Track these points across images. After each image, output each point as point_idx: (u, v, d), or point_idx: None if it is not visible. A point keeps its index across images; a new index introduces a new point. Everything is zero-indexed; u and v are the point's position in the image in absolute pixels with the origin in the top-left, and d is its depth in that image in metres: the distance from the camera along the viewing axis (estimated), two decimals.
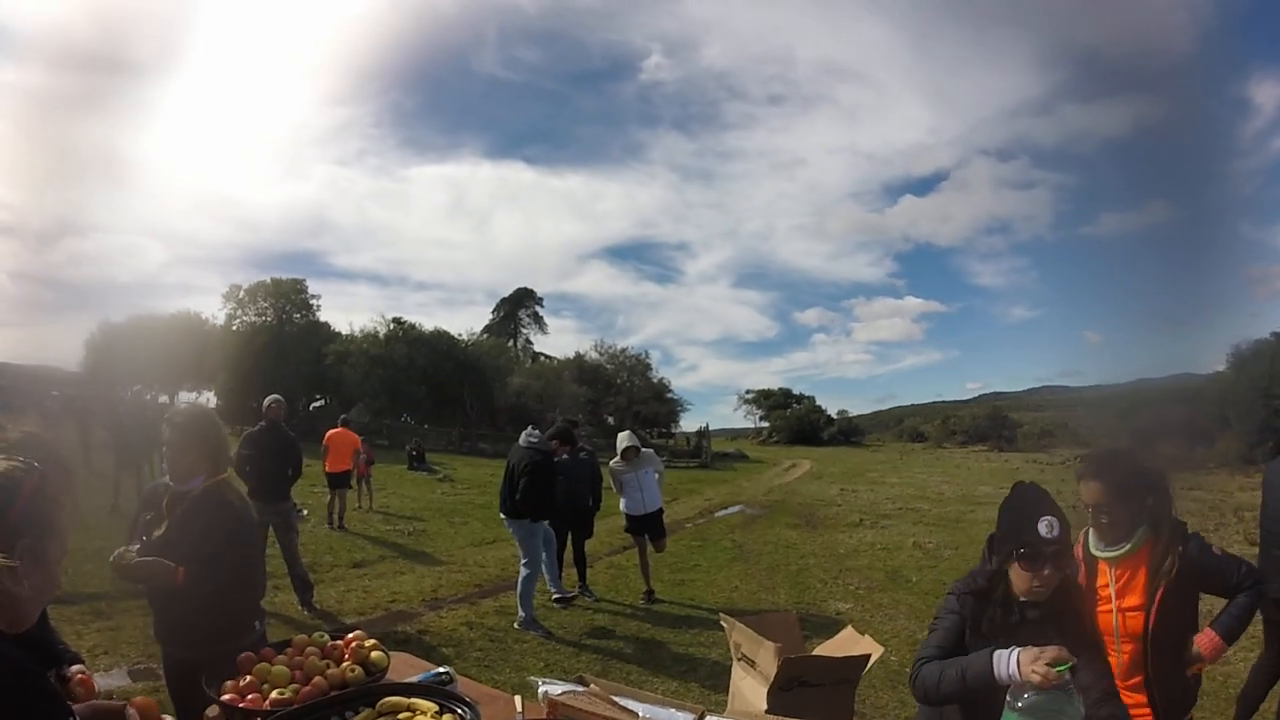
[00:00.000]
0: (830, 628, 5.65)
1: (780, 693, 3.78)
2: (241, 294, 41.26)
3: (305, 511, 8.54)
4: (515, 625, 7.59)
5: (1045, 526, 2.32)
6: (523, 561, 7.73)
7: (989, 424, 54.36)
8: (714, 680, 6.01)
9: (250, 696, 2.33)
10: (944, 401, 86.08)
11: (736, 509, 19.19)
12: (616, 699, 2.37)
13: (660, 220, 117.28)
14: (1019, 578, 2.38)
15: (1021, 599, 2.40)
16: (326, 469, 13.11)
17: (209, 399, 39.38)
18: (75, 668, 2.39)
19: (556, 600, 8.40)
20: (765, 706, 3.66)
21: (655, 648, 7.33)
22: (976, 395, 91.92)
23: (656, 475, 9.07)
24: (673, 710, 2.38)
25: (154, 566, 2.82)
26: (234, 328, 40.17)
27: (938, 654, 2.39)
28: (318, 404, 41.79)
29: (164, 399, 35.51)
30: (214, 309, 41.42)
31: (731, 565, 11.47)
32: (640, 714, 2.28)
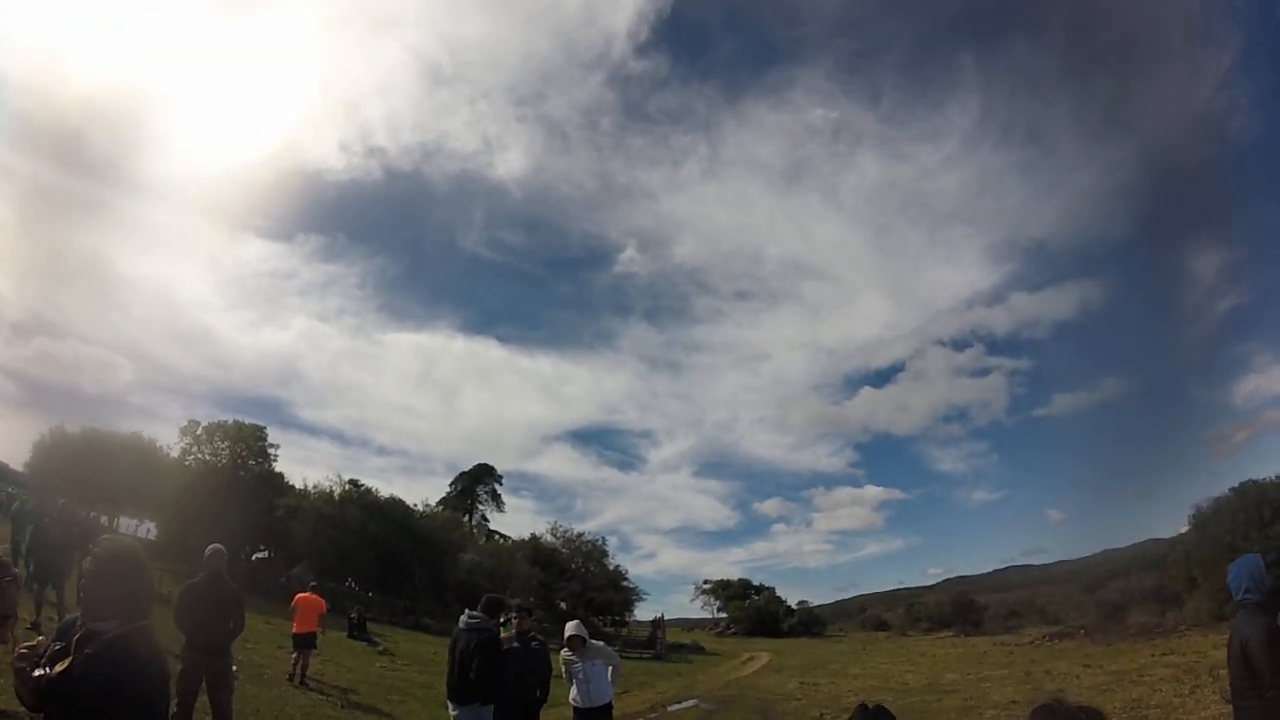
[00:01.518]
0: None
1: None
2: (200, 430, 40.51)
3: (236, 669, 8.18)
4: None
5: None
6: None
7: (953, 608, 53.47)
8: None
9: None
10: (906, 588, 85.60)
11: (691, 703, 18.88)
12: None
13: (625, 407, 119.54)
14: None
15: None
16: (294, 629, 14.07)
17: (149, 529, 38.37)
18: None
19: None
20: None
21: None
22: (939, 580, 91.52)
23: (610, 669, 8.72)
24: None
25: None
26: (187, 462, 39.22)
27: None
28: (261, 555, 40.70)
29: (103, 519, 34.62)
30: (170, 439, 40.48)
31: None
32: None
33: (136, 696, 2.81)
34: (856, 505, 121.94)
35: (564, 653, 8.71)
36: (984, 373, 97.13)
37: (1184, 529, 32.27)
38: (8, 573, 3.23)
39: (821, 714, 15.84)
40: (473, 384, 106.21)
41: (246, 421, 42.38)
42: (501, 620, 8.89)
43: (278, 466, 42.45)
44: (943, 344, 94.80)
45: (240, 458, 40.44)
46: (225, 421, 41.65)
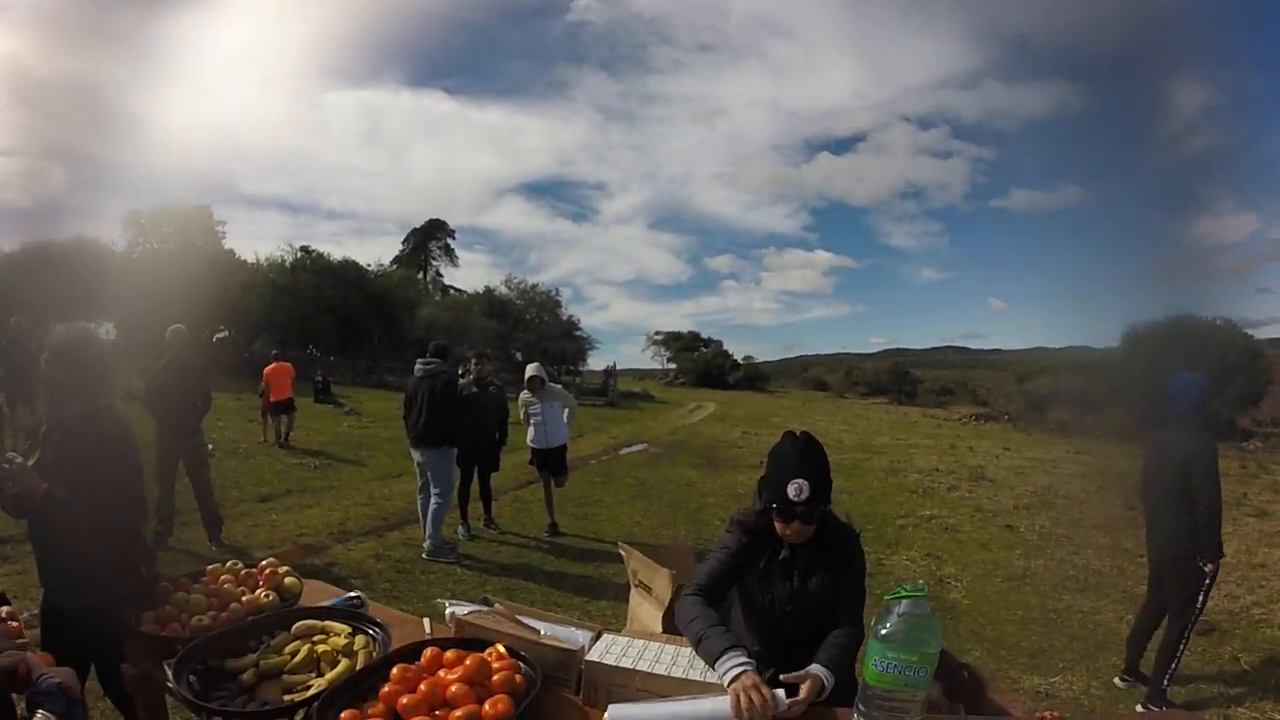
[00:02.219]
0: None
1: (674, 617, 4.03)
2: (143, 220, 38.98)
3: (212, 447, 8.36)
4: (423, 555, 7.71)
5: (794, 490, 2.44)
6: (435, 491, 7.74)
7: (891, 378, 55.35)
8: (615, 608, 6.29)
9: (170, 625, 2.40)
10: (848, 353, 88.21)
11: (640, 447, 19.51)
12: (520, 618, 2.54)
13: (580, 159, 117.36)
14: (776, 523, 2.55)
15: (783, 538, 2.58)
16: (272, 399, 14.74)
17: (108, 330, 37.61)
18: (4, 609, 2.33)
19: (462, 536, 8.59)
20: (660, 629, 3.89)
21: (558, 577, 7.57)
22: (880, 350, 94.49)
23: (566, 411, 9.14)
24: (573, 629, 2.55)
25: (17, 472, 2.61)
26: (135, 255, 37.87)
27: (705, 582, 2.58)
28: (221, 334, 39.90)
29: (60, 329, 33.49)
30: (115, 236, 38.81)
31: (634, 501, 11.75)
32: (542, 631, 2.44)
33: (109, 470, 2.81)
34: (806, 268, 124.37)
35: (523, 394, 9.02)
36: (946, 155, 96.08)
37: (1116, 344, 32.98)
38: None
39: (761, 461, 16.58)
40: (422, 139, 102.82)
41: (190, 203, 40.75)
42: (461, 371, 9.26)
43: (228, 244, 41.39)
44: (908, 120, 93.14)
45: (189, 241, 38.98)
46: (168, 206, 39.87)
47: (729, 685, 2.10)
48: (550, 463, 9.11)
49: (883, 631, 2.11)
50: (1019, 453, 20.87)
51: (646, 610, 4.35)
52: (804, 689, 2.15)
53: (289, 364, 15.50)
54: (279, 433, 14.97)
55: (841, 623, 2.54)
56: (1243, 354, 25.60)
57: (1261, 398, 22.61)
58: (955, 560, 9.05)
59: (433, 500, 7.76)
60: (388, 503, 10.25)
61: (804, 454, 2.51)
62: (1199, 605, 5.00)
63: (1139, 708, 5.06)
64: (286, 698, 2.12)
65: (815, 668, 2.28)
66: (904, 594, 2.14)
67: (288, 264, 41.47)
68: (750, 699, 2.04)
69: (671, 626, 3.89)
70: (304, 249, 42.95)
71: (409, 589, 6.80)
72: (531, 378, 8.93)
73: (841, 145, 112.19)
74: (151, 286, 32.40)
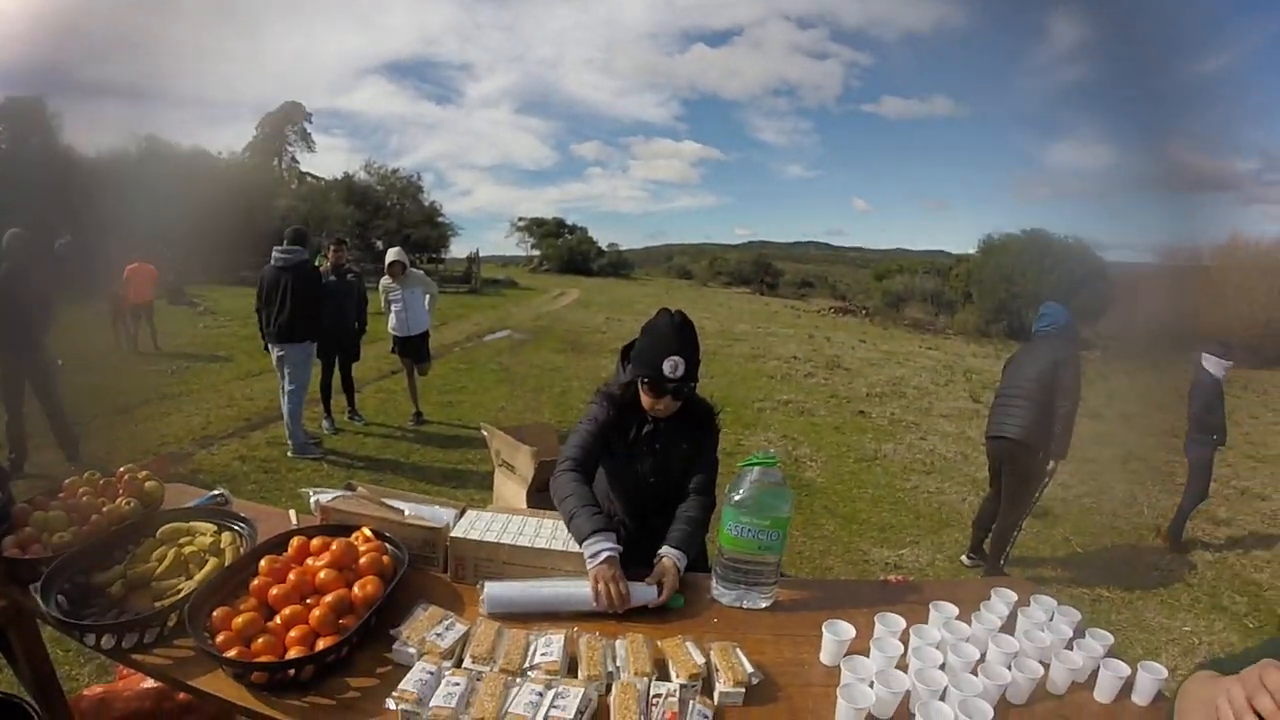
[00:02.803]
0: None
1: (538, 493, 4.20)
2: None
3: (60, 361, 7.88)
4: (289, 454, 7.68)
5: (670, 366, 2.49)
6: (289, 389, 7.59)
7: (754, 269, 55.48)
8: (481, 493, 6.35)
9: (32, 547, 2.32)
10: (713, 244, 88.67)
11: (504, 334, 19.51)
12: (385, 500, 2.62)
13: (445, 38, 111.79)
14: (644, 396, 2.62)
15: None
16: (130, 300, 14.16)
17: None
18: None
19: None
20: (525, 505, 4.06)
21: (425, 465, 7.70)
22: (744, 241, 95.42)
23: (428, 297, 9.05)
24: (436, 508, 2.62)
25: None
26: None
27: (578, 455, 2.64)
28: (64, 241, 37.53)
29: None
30: None
31: (498, 387, 11.87)
32: (406, 511, 2.52)
33: None
34: (675, 158, 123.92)
35: (383, 280, 8.87)
36: (822, 56, 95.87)
37: (972, 251, 34.61)
38: None
39: (623, 345, 16.83)
40: (278, 15, 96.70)
41: (20, 96, 36.66)
42: (316, 260, 9.05)
43: (65, 139, 38.07)
44: (788, 19, 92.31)
45: (20, 139, 35.77)
46: None
47: (590, 570, 2.22)
48: (412, 350, 9.06)
49: (736, 498, 2.27)
50: (874, 346, 21.68)
51: (510, 489, 4.52)
52: (665, 585, 2.28)
53: (152, 267, 14.93)
54: (137, 337, 14.36)
55: (693, 493, 2.68)
56: (1090, 272, 27.01)
57: (1103, 312, 24.18)
58: (810, 442, 9.53)
59: (286, 395, 7.63)
60: (249, 403, 10.06)
61: (680, 332, 2.56)
62: (1036, 496, 5.52)
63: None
64: (157, 604, 2.08)
65: (667, 551, 2.41)
66: (756, 461, 2.30)
67: (134, 154, 38.85)
68: (607, 589, 2.17)
69: (536, 503, 4.08)
70: (149, 139, 40.25)
71: (276, 488, 6.79)
72: (393, 263, 8.75)
73: (718, 38, 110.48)
74: None
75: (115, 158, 38.67)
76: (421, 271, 9.83)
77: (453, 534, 2.39)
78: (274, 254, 7.53)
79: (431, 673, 1.79)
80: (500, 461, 4.64)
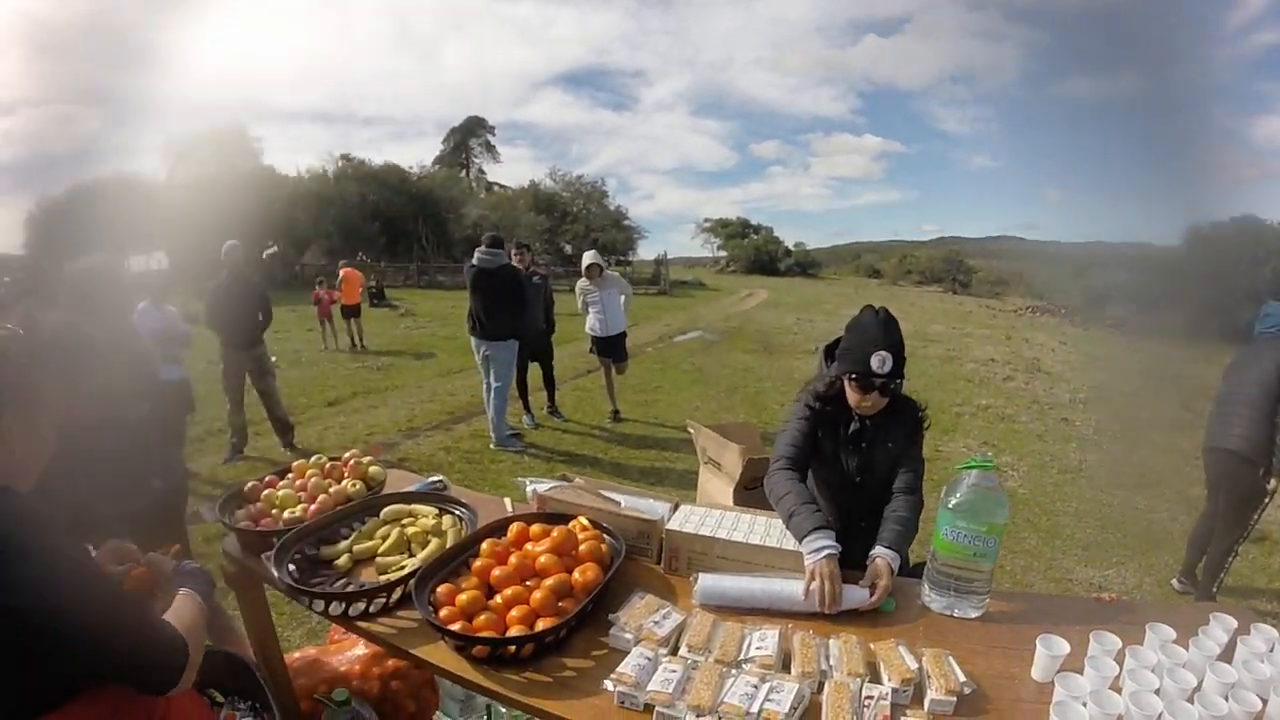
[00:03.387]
0: None
1: (744, 491, 4.10)
2: (179, 148, 38.91)
3: (275, 358, 8.55)
4: (490, 446, 7.88)
5: (878, 361, 2.46)
6: (495, 385, 7.80)
7: (945, 266, 53.40)
8: (682, 489, 6.35)
9: (264, 520, 2.50)
10: (901, 241, 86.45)
11: (695, 334, 19.59)
12: (601, 492, 2.61)
13: (615, 47, 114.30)
14: (850, 393, 2.58)
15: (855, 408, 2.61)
16: (344, 302, 15.77)
17: (160, 260, 37.89)
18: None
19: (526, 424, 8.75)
20: (731, 504, 3.97)
21: (624, 461, 7.73)
22: (933, 237, 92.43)
23: (623, 298, 9.13)
24: (651, 500, 2.60)
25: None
26: (176, 183, 37.55)
27: (792, 453, 2.60)
28: (270, 250, 39.82)
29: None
30: (153, 167, 39.41)
31: (692, 387, 11.87)
32: (622, 503, 2.52)
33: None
34: (855, 153, 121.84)
35: (580, 282, 9.05)
36: (998, 38, 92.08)
37: (1177, 243, 32.18)
38: None
39: (816, 347, 16.55)
40: (452, 36, 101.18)
41: (225, 125, 40.70)
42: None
43: (267, 160, 41.33)
44: (957, 1, 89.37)
45: (228, 162, 38.62)
46: (201, 130, 39.94)
47: (809, 565, 2.16)
48: (610, 350, 9.13)
49: (952, 502, 2.15)
50: (1075, 347, 20.63)
51: (716, 485, 4.44)
52: (880, 586, 2.18)
53: (359, 272, 16.41)
54: (352, 337, 15.69)
55: (900, 493, 2.59)
56: None
57: None
58: (1011, 450, 9.04)
59: (492, 391, 7.85)
60: (452, 398, 10.45)
61: (886, 327, 2.53)
62: (1255, 519, 4.92)
63: None
64: (382, 578, 2.20)
65: (881, 551, 2.31)
66: (974, 464, 2.17)
67: (330, 174, 41.56)
68: (823, 586, 2.10)
69: (742, 500, 3.98)
70: (344, 157, 43.07)
71: (480, 478, 6.98)
72: (590, 265, 8.88)
73: (888, 27, 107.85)
74: (196, 212, 32.33)
75: (314, 175, 40.99)
76: (616, 273, 9.95)
77: (668, 526, 2.37)
78: (477, 254, 7.75)
79: (649, 658, 1.82)
80: (706, 459, 4.58)
